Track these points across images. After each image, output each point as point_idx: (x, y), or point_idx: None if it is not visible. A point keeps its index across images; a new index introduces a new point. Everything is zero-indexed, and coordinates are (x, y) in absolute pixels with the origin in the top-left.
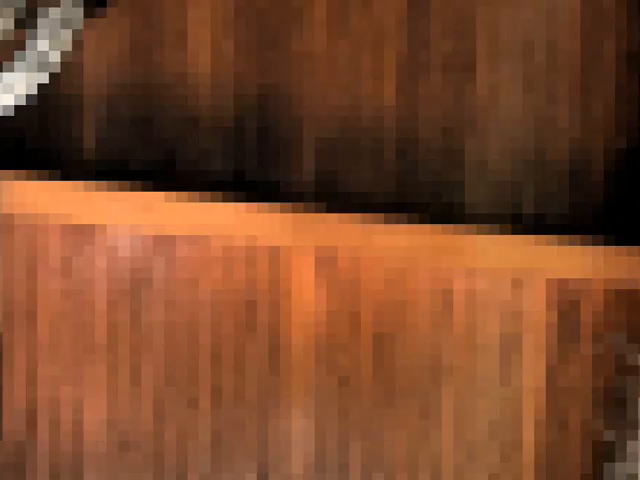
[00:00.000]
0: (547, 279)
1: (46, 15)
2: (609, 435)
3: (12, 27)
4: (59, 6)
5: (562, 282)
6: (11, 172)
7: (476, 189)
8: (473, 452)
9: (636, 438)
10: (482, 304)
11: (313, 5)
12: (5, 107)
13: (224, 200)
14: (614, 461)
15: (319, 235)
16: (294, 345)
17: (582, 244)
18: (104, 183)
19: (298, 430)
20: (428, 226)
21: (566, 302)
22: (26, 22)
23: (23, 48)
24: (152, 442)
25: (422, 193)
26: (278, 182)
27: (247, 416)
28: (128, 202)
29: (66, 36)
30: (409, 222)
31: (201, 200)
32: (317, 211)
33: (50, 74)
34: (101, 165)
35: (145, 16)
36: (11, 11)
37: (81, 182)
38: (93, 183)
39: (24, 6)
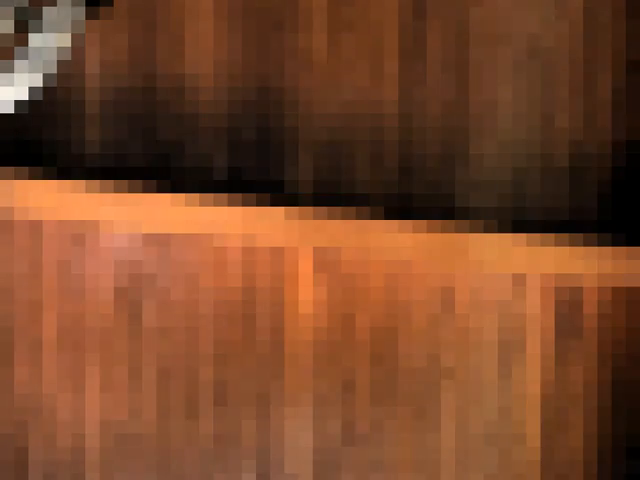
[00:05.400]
0: (548, 279)
1: (40, 4)
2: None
3: None
4: None
5: (564, 282)
6: (10, 170)
7: (477, 188)
8: (475, 453)
9: None
10: (483, 304)
11: (312, 3)
12: None
13: (221, 199)
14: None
15: (317, 235)
16: (291, 339)
17: (586, 244)
18: (103, 182)
19: (297, 431)
20: (427, 224)
21: (568, 303)
22: (15, 12)
23: (11, 44)
24: (152, 441)
25: (422, 193)
26: (277, 181)
27: (246, 418)
28: (125, 200)
29: (64, 29)
30: (409, 223)
31: (198, 199)
32: (315, 210)
33: (44, 75)
34: (100, 165)
35: (146, 16)
36: None
37: (81, 181)
38: (92, 182)
39: None
